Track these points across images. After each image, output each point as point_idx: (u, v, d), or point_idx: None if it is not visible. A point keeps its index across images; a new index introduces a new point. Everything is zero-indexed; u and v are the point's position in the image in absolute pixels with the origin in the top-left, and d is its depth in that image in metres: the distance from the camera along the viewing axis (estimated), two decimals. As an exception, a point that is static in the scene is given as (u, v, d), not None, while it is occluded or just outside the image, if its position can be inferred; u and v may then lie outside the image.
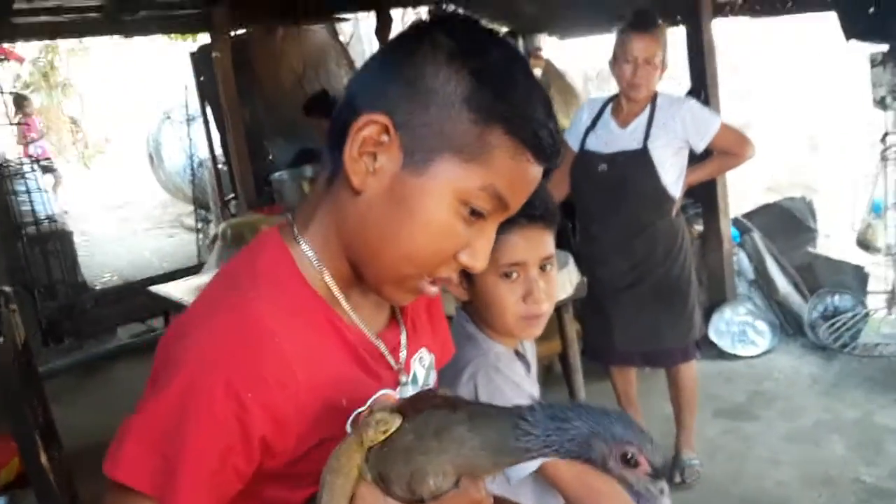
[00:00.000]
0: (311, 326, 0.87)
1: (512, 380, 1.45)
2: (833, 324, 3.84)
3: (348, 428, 0.87)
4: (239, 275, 0.89)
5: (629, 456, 0.71)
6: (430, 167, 0.82)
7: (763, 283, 4.26)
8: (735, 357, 4.01)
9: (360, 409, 0.89)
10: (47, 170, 10.25)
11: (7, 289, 2.53)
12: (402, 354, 0.98)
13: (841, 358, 3.77)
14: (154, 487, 0.78)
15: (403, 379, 0.97)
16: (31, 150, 10.11)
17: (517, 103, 0.82)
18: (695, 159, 2.98)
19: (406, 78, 0.83)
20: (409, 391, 0.97)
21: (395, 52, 0.86)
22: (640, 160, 2.82)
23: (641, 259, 2.92)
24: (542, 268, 1.45)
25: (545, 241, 1.45)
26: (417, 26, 0.87)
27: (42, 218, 6.08)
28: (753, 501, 2.84)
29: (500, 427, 0.76)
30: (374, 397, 0.89)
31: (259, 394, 0.80)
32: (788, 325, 4.17)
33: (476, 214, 0.84)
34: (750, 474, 3.02)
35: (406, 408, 0.80)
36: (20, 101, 10.39)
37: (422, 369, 1.03)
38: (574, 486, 1.44)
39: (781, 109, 7.03)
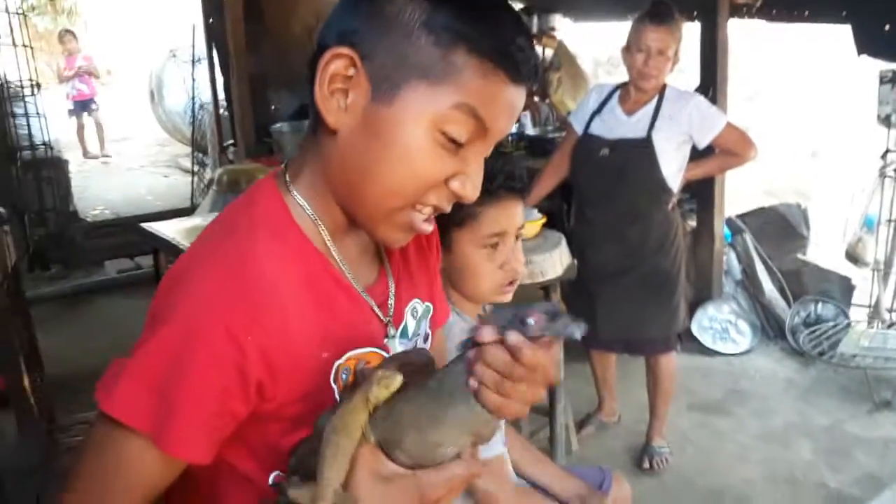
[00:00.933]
0: (305, 276, 0.87)
1: None
2: (814, 331, 3.89)
3: (332, 384, 0.88)
4: (236, 222, 0.88)
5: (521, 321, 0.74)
6: (400, 95, 0.81)
7: (749, 284, 4.30)
8: (715, 353, 4.06)
9: (349, 365, 0.90)
10: (84, 108, 10.19)
11: (1, 210, 2.52)
12: (391, 306, 0.98)
13: (818, 365, 3.83)
14: (150, 425, 0.78)
15: (392, 332, 0.98)
16: (68, 89, 9.99)
17: (479, 21, 0.80)
18: (696, 155, 3.00)
19: (367, 9, 0.82)
20: (398, 344, 0.98)
21: None
22: (642, 149, 2.83)
23: (634, 247, 2.94)
24: (516, 237, 1.57)
25: (519, 212, 1.55)
26: None
27: (38, 143, 6.04)
28: (718, 494, 2.90)
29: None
30: (354, 351, 0.91)
31: (256, 338, 0.80)
32: (770, 327, 4.22)
33: (455, 142, 0.83)
34: (717, 468, 3.08)
35: (395, 367, 0.81)
36: (62, 36, 10.19)
37: (413, 320, 1.04)
38: None
39: (786, 115, 7.03)
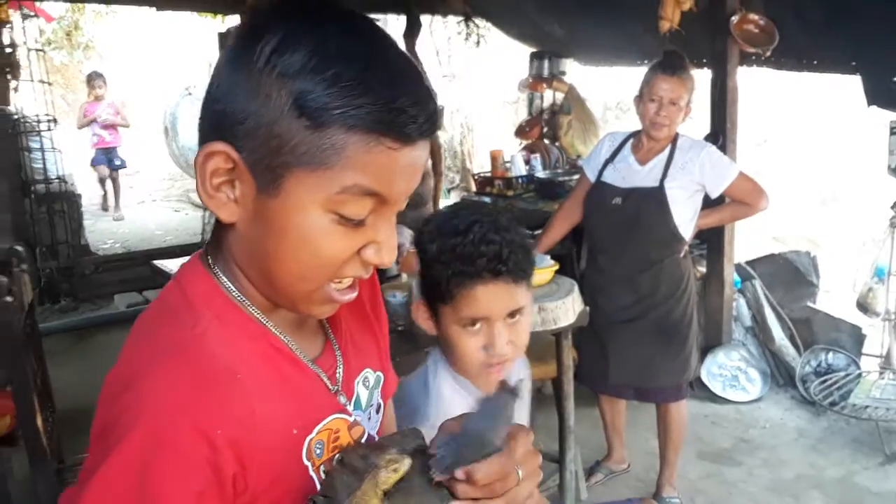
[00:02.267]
0: (258, 356, 0.83)
1: None
2: (825, 380, 3.87)
3: (311, 473, 0.84)
4: (175, 309, 0.83)
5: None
6: (283, 185, 0.75)
7: (759, 331, 4.29)
8: (724, 401, 4.03)
9: (321, 438, 0.87)
10: (108, 158, 8.97)
11: (19, 248, 2.54)
12: (339, 377, 0.93)
13: (829, 415, 3.80)
14: None
15: (343, 401, 0.92)
16: (91, 136, 8.96)
17: (351, 90, 0.72)
18: (708, 203, 3.02)
19: (236, 97, 0.75)
20: (356, 415, 0.95)
21: (225, 66, 0.77)
22: (654, 198, 2.85)
23: (645, 295, 2.95)
24: (512, 315, 1.37)
25: (513, 295, 1.35)
26: (247, 24, 0.78)
27: (52, 177, 6.11)
28: (728, 547, 2.87)
29: None
30: (324, 422, 0.87)
31: (226, 430, 0.75)
32: (780, 375, 4.19)
33: (353, 221, 0.78)
34: (727, 520, 3.04)
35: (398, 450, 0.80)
36: (92, 80, 8.92)
37: (365, 390, 0.99)
38: None
39: (796, 161, 7.07)
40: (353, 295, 0.85)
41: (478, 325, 1.35)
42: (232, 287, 0.85)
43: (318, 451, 0.85)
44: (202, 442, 0.73)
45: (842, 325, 4.16)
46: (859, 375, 3.87)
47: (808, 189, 6.77)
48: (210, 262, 0.86)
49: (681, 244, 2.92)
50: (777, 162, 6.81)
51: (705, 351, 4.11)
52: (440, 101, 0.79)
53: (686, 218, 2.89)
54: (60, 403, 3.08)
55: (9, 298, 2.00)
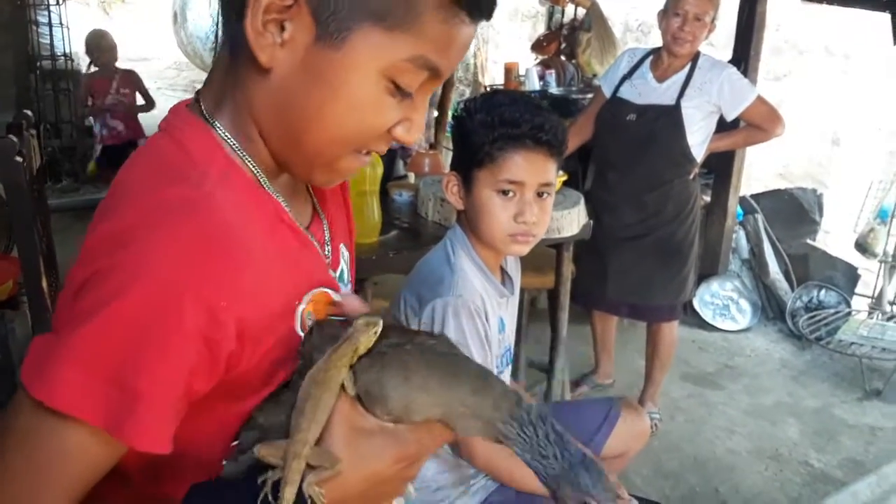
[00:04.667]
0: (264, 223, 0.78)
1: (480, 333, 1.50)
2: (814, 316, 3.93)
3: (299, 331, 0.80)
4: (175, 165, 0.75)
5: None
6: (349, 39, 0.71)
7: (756, 264, 4.33)
8: (713, 328, 4.11)
9: (310, 309, 0.83)
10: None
11: (29, 112, 2.53)
12: (328, 249, 0.91)
13: (814, 350, 3.87)
14: (106, 419, 0.66)
15: (333, 274, 0.91)
16: (99, 129, 5.68)
17: None
18: (722, 128, 2.99)
19: None
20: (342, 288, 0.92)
21: None
22: (669, 116, 2.83)
23: (651, 214, 2.95)
24: (540, 194, 1.52)
25: (547, 168, 1.51)
26: None
27: (59, 54, 6.01)
28: (703, 463, 2.97)
29: (497, 402, 0.75)
30: (316, 290, 0.83)
31: (232, 304, 0.70)
32: (771, 308, 4.26)
33: (404, 93, 0.75)
34: (705, 438, 3.14)
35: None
36: (96, 42, 5.65)
37: (345, 265, 0.97)
38: (483, 462, 1.59)
39: (812, 100, 6.98)
40: (368, 160, 0.83)
41: (511, 193, 1.49)
42: (235, 142, 0.79)
43: (309, 322, 0.82)
44: (204, 314, 0.68)
45: (838, 263, 4.20)
46: (849, 314, 3.93)
47: (821, 128, 6.70)
48: (206, 112, 0.79)
49: (692, 165, 2.91)
50: (793, 98, 6.72)
51: (700, 279, 4.16)
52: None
53: (699, 139, 2.87)
54: (60, 279, 3.13)
55: (19, 159, 2.00)
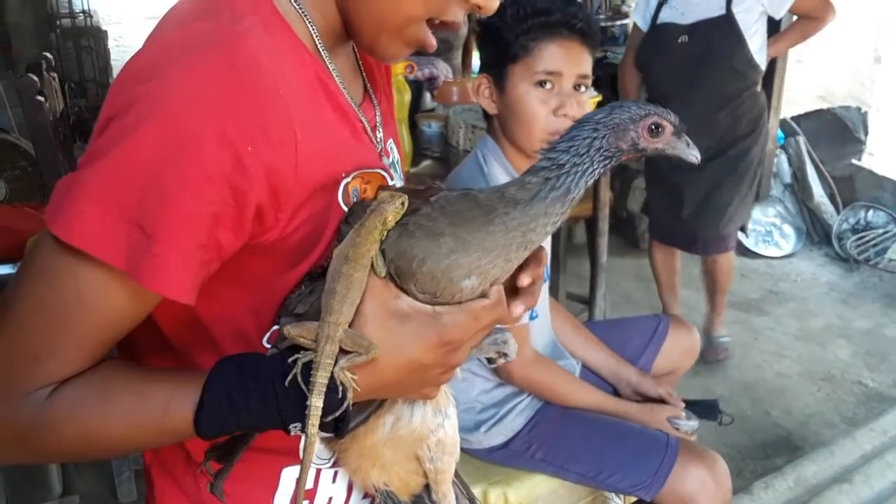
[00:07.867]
0: (304, 83, 0.73)
1: None
2: (862, 237, 3.81)
3: (342, 205, 0.76)
4: (212, 5, 0.71)
5: (654, 126, 0.72)
6: None
7: (799, 188, 4.19)
8: (756, 255, 3.99)
9: (356, 185, 0.78)
10: None
11: (48, 55, 2.48)
12: (380, 134, 0.86)
13: (863, 271, 3.76)
14: (125, 258, 0.62)
15: (386, 161, 0.86)
16: None
17: None
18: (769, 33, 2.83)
19: None
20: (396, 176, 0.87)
21: None
22: (725, 27, 2.67)
23: (724, 133, 2.79)
24: (577, 87, 1.47)
25: (583, 58, 1.46)
26: None
27: (77, 11, 5.95)
28: (752, 386, 2.90)
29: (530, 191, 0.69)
30: (363, 169, 0.79)
31: (259, 149, 0.65)
32: (815, 233, 4.13)
33: None
34: (752, 363, 3.07)
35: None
36: None
37: (396, 160, 0.92)
38: (521, 379, 1.56)
39: (851, 16, 6.69)
40: (434, 43, 0.79)
41: (548, 85, 1.44)
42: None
43: (355, 196, 0.77)
44: (228, 157, 0.63)
45: (885, 182, 4.05)
46: (898, 233, 3.80)
47: (861, 46, 6.43)
48: None
49: (757, 75, 2.76)
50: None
51: (741, 205, 4.03)
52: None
53: (758, 44, 2.71)
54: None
55: (40, 98, 1.95)
